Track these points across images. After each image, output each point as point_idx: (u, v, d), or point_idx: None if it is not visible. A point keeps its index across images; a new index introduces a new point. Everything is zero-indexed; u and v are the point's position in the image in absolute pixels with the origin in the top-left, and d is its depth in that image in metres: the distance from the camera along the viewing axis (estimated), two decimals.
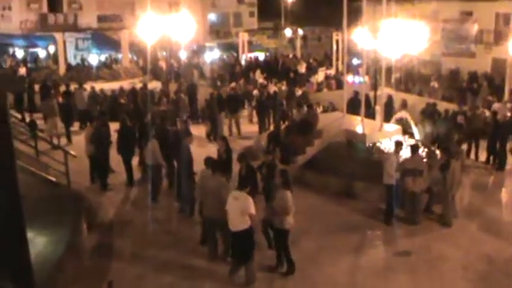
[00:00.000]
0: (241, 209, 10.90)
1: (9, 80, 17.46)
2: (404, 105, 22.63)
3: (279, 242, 11.88)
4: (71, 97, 24.15)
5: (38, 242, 10.83)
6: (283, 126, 20.22)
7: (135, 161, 17.69)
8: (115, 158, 17.27)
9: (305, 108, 21.51)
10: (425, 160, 15.64)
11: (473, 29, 39.82)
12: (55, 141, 20.61)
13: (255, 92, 28.14)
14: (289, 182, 11.97)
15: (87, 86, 27.26)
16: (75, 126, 23.65)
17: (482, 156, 21.02)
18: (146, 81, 31.57)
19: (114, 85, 30.83)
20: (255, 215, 11.04)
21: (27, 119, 23.63)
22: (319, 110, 27.00)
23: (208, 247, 12.38)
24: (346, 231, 14.03)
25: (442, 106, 23.98)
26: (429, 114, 21.98)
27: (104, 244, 13.17)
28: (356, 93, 22.79)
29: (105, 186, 16.58)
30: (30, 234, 7.94)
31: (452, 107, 24.99)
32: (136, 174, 17.40)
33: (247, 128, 24.86)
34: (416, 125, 21.33)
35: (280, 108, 25.73)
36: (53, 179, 15.05)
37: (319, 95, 33.85)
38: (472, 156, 21.15)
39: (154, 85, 31.02)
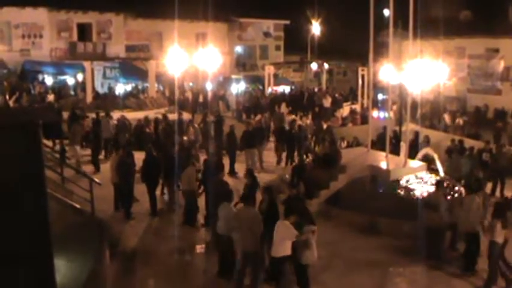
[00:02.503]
0: (281, 236, 11.27)
1: (44, 111, 17.82)
2: (427, 141, 22.53)
3: (300, 277, 11.84)
4: (98, 125, 24.42)
5: (62, 268, 10.88)
6: (307, 161, 20.24)
7: (158, 190, 17.80)
8: (139, 187, 17.39)
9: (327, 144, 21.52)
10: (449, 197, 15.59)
11: (500, 66, 39.73)
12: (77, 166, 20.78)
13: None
14: (311, 216, 12.05)
15: (115, 115, 27.49)
16: (101, 154, 23.83)
17: (508, 195, 20.79)
18: (173, 112, 31.78)
19: (140, 114, 31.08)
20: (296, 237, 11.34)
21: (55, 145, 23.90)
22: (344, 145, 26.95)
23: (236, 278, 12.36)
24: (368, 268, 13.90)
25: (467, 143, 23.80)
26: (455, 151, 21.82)
27: (126, 272, 13.21)
28: (385, 129, 22.72)
29: (129, 215, 16.66)
30: (54, 260, 8.02)
31: (478, 144, 24.80)
32: (160, 205, 17.48)
33: (272, 162, 24.71)
34: (441, 161, 21.20)
35: (305, 142, 25.69)
36: (78, 205, 15.15)
37: (343, 129, 33.79)
38: (497, 194, 20.92)
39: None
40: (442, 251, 14.50)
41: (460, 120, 34.79)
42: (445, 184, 16.90)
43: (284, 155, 24.81)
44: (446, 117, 35.07)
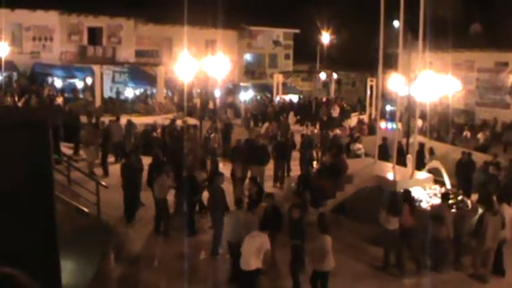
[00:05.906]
0: (256, 247, 11.04)
1: (56, 113, 18.04)
2: (431, 153, 22.40)
3: (322, 285, 11.85)
4: (108, 129, 24.48)
5: (66, 271, 10.90)
6: (313, 170, 20.22)
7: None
8: (146, 192, 17.43)
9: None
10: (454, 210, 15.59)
11: (509, 79, 39.66)
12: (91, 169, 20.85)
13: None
14: (327, 226, 12.03)
15: (122, 119, 27.47)
16: (111, 158, 23.78)
17: None
18: (181, 118, 31.83)
19: (148, 119, 31.12)
20: (269, 251, 11.13)
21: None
22: None
23: None
24: (373, 278, 13.89)
25: (476, 157, 23.71)
26: (464, 164, 21.64)
27: (130, 276, 13.21)
28: (384, 139, 22.59)
29: (132, 218, 16.68)
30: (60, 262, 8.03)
31: (486, 157, 24.67)
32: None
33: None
34: (448, 174, 21.11)
35: (309, 151, 25.65)
36: (84, 208, 15.18)
37: None
38: None
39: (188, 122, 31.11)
40: (447, 262, 14.45)
41: (467, 133, 34.53)
42: (451, 197, 16.91)
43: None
44: (481, 136, 33.58)
